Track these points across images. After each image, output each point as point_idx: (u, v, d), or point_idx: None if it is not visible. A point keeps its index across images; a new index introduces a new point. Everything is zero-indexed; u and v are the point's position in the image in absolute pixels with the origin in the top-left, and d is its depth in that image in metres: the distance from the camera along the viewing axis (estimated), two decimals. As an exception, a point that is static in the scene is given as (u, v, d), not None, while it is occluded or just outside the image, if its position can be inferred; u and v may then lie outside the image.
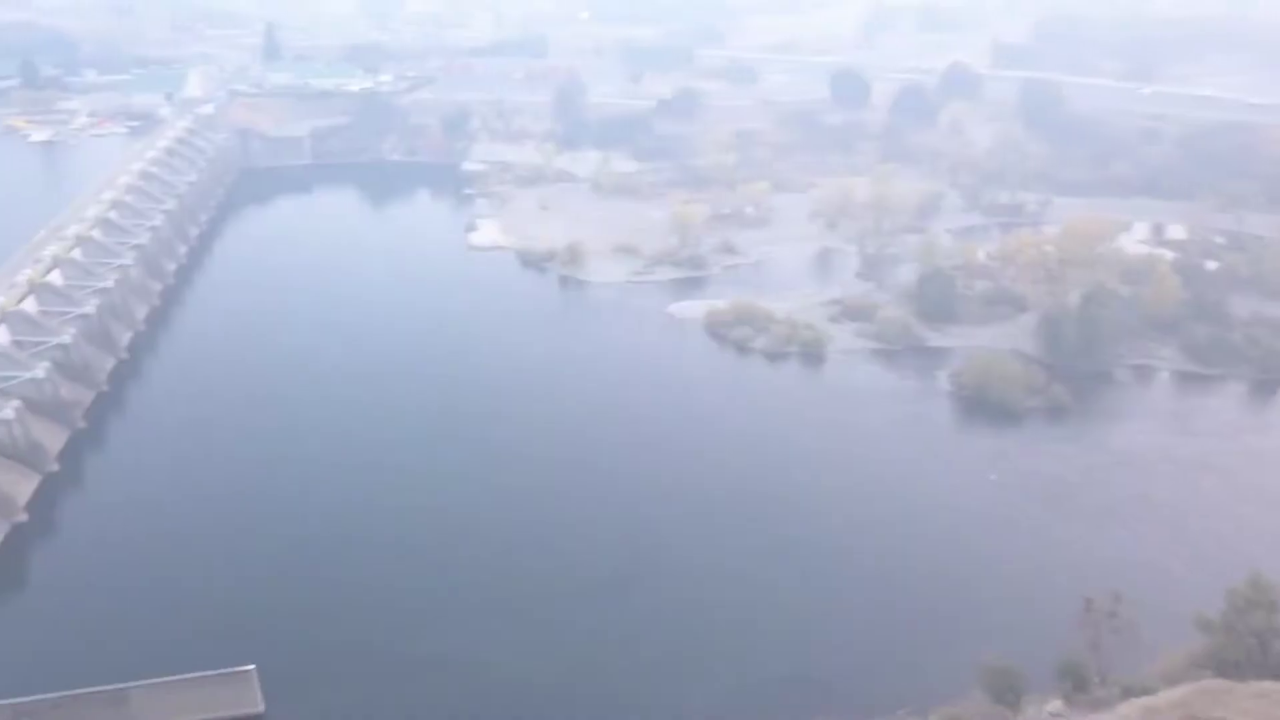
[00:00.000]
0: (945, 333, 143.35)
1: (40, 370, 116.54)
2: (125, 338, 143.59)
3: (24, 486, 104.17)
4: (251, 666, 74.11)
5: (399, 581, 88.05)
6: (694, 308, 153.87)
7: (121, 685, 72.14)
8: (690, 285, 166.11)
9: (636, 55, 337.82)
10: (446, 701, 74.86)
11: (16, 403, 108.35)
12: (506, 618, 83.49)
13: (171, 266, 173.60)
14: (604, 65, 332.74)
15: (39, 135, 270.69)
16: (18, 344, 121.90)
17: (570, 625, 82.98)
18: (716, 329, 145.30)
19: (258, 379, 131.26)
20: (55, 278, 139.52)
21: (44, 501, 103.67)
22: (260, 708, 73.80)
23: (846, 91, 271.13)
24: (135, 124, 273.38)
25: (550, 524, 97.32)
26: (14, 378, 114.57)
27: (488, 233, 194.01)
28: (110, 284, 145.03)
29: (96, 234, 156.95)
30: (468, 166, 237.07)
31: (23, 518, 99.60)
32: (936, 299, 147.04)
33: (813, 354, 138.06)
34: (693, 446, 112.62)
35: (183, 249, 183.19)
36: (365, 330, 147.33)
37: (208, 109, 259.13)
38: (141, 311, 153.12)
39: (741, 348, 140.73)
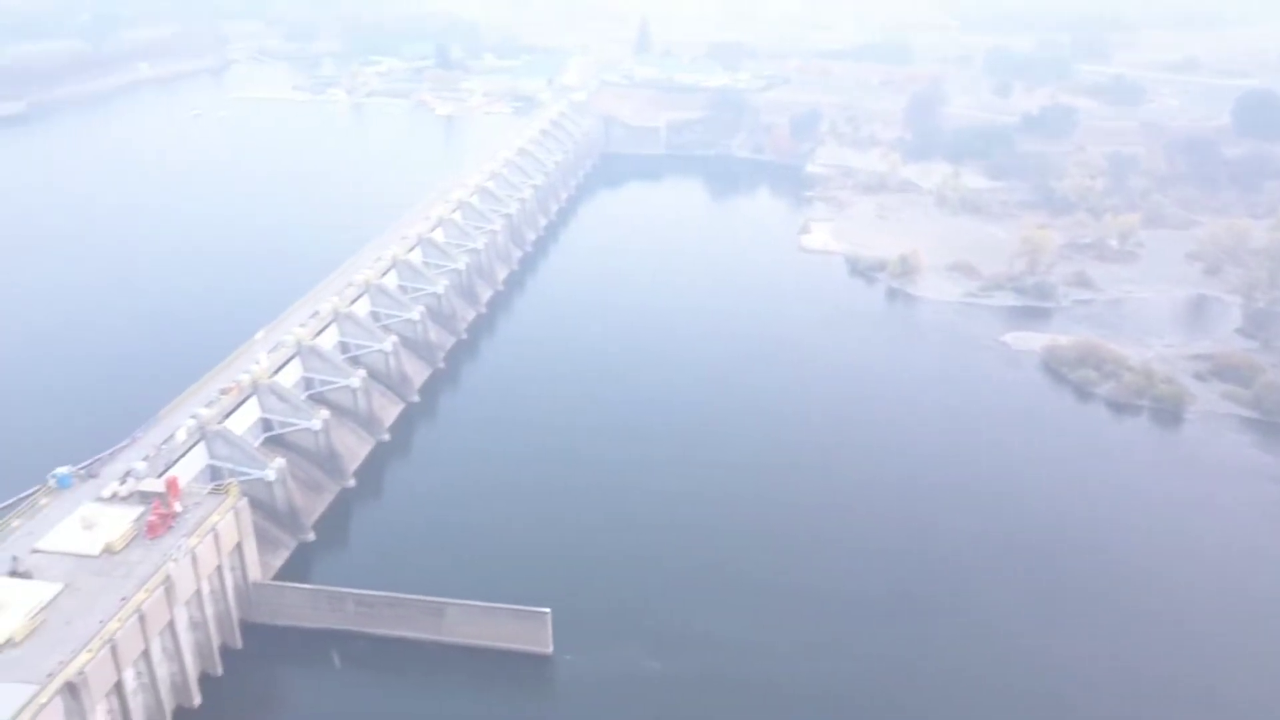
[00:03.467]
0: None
1: (416, 313, 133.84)
2: (486, 295, 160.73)
3: (390, 411, 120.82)
4: (547, 610, 79.86)
5: (695, 568, 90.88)
6: (1033, 340, 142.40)
7: (440, 599, 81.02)
8: (1031, 315, 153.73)
9: (1006, 66, 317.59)
10: (723, 685, 76.43)
11: (394, 338, 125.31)
12: (802, 619, 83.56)
13: (531, 236, 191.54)
14: (968, 75, 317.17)
15: (442, 110, 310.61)
16: (402, 288, 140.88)
17: (862, 642, 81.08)
18: (1056, 367, 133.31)
19: (591, 342, 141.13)
20: (438, 235, 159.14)
21: (404, 426, 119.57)
22: (549, 649, 79.78)
23: (1255, 119, 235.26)
24: (519, 105, 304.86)
25: (838, 546, 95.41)
26: (395, 317, 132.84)
27: (820, 236, 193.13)
28: (480, 246, 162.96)
29: (475, 200, 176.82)
30: (810, 169, 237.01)
31: (386, 438, 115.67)
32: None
33: (1167, 411, 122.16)
34: (1017, 497, 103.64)
35: (543, 221, 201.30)
36: (691, 311, 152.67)
37: (580, 96, 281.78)
38: (501, 273, 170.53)
39: (1082, 391, 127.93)
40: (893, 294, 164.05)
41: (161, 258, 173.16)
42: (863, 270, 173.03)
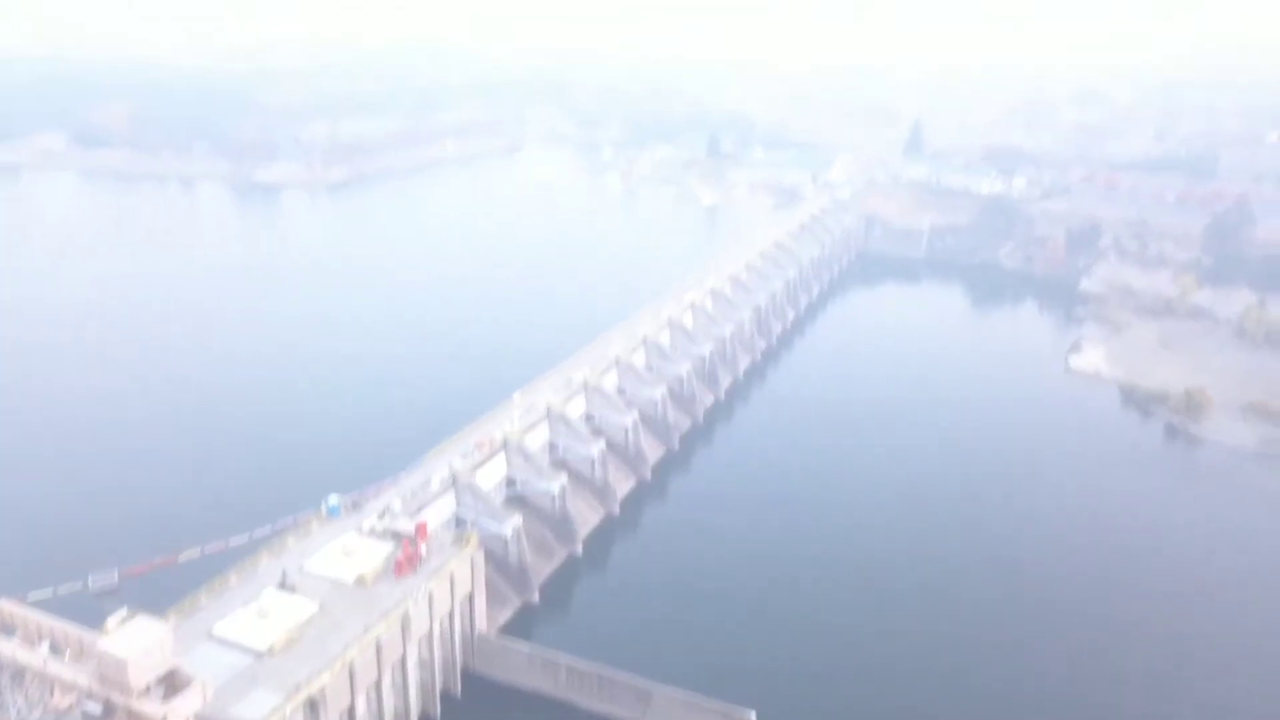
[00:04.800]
0: None
1: (658, 392, 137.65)
2: (726, 382, 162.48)
3: (623, 485, 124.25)
4: (752, 713, 77.36)
5: (916, 696, 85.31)
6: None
7: (648, 683, 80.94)
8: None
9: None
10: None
11: (636, 414, 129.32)
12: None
13: (778, 328, 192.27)
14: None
15: (708, 198, 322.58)
16: (649, 368, 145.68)
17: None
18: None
19: (825, 444, 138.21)
20: (687, 319, 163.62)
21: (634, 501, 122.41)
22: (750, 757, 77.10)
23: None
24: (781, 198, 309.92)
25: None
26: (639, 394, 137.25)
27: (1091, 358, 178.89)
28: (726, 334, 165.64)
29: (726, 289, 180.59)
30: (1086, 285, 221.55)
31: (616, 510, 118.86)
32: None
33: None
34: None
35: (791, 315, 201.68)
36: (937, 424, 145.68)
37: (844, 193, 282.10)
38: (743, 362, 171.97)
39: None
40: (1172, 432, 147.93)
41: (441, 313, 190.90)
42: (1139, 401, 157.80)
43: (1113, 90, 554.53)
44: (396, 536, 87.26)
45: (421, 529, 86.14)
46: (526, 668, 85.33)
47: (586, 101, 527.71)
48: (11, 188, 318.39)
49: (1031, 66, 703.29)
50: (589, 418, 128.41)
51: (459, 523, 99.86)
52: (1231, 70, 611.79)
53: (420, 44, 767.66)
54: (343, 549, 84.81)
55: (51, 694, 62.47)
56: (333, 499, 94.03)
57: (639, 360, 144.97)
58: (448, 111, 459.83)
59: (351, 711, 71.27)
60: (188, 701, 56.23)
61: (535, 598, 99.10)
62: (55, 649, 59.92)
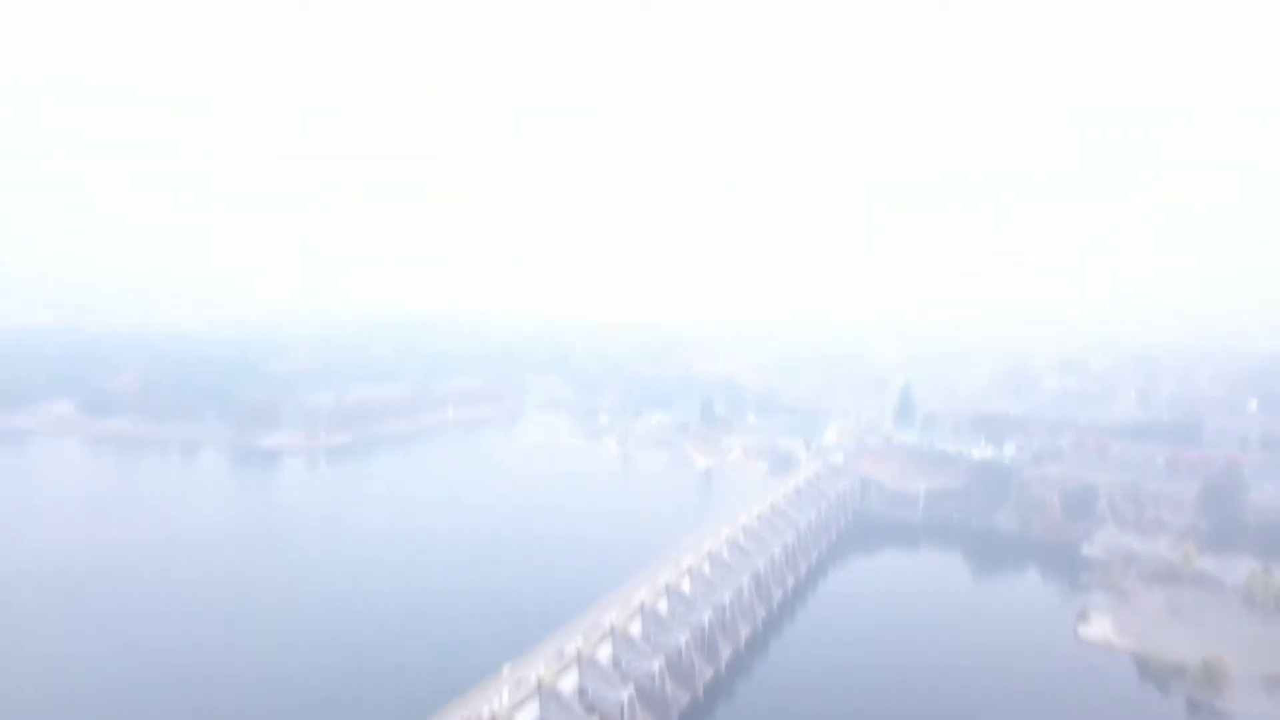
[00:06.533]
0: None
1: (656, 665, 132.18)
2: (726, 653, 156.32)
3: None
4: None
5: None
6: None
7: None
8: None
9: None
10: None
11: (631, 689, 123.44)
12: None
13: (778, 594, 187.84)
14: (1275, 460, 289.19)
15: (702, 462, 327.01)
16: (645, 637, 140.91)
17: None
18: None
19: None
20: (685, 585, 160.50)
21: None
22: None
23: None
24: (775, 462, 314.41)
25: None
26: (636, 666, 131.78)
27: (1101, 627, 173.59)
28: (725, 600, 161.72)
29: (724, 553, 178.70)
30: (1087, 551, 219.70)
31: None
32: None
33: None
34: None
35: (790, 580, 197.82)
36: (949, 702, 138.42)
37: (837, 458, 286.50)
38: (744, 631, 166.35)
39: None
40: (1195, 707, 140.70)
41: (428, 578, 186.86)
42: (1155, 674, 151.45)
43: (1091, 359, 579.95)
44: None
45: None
46: None
47: (584, 369, 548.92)
48: (17, 454, 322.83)
49: (1012, 337, 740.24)
50: (582, 693, 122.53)
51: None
52: (1204, 342, 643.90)
53: (428, 315, 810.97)
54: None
55: None
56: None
57: (635, 630, 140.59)
58: (451, 379, 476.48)
59: None
60: None
61: None
62: None
